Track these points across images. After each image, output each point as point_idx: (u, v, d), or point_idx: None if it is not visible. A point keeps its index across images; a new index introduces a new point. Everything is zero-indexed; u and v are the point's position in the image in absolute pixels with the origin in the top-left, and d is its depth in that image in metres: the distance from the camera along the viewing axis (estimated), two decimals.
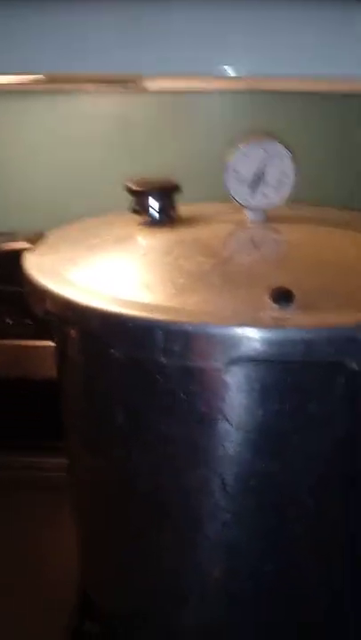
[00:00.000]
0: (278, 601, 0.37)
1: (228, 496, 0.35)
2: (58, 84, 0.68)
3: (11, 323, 0.64)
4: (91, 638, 0.46)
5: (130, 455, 0.37)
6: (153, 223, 0.45)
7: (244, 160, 0.42)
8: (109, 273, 0.38)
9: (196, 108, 0.70)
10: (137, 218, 0.46)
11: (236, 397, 0.33)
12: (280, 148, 0.42)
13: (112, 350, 0.35)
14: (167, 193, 0.44)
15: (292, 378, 0.32)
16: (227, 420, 0.33)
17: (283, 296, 0.32)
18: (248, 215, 0.44)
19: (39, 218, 0.64)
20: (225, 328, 0.31)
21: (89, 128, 0.70)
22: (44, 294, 0.37)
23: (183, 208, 0.48)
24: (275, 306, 0.32)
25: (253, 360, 0.32)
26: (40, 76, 0.62)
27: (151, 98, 0.69)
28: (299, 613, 0.38)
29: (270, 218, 0.44)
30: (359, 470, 0.34)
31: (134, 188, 0.44)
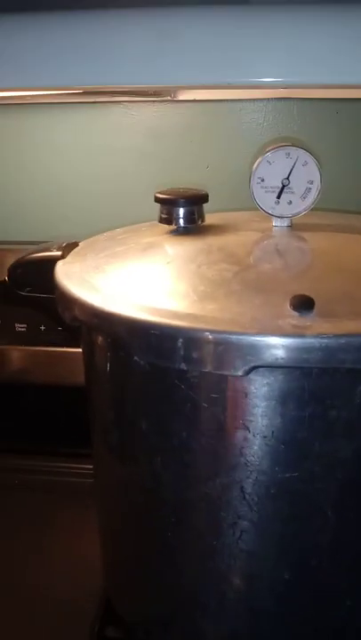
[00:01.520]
0: (299, 610, 0.37)
1: (247, 504, 0.35)
2: (92, 96, 0.70)
3: (43, 329, 0.65)
4: None
5: (153, 462, 0.38)
6: (180, 232, 0.45)
7: (270, 168, 0.42)
8: (134, 280, 0.38)
9: (226, 116, 0.70)
10: (165, 227, 0.46)
11: (255, 405, 0.33)
12: (305, 155, 0.42)
13: (135, 357, 0.36)
14: (195, 202, 0.45)
15: (312, 385, 0.32)
16: (246, 427, 0.33)
17: (303, 303, 0.32)
18: (274, 223, 0.44)
19: (74, 227, 0.66)
20: (244, 335, 0.31)
21: (122, 138, 0.72)
22: (70, 301, 0.38)
23: (211, 216, 0.48)
24: (295, 313, 0.32)
25: (273, 367, 0.32)
26: (75, 90, 0.64)
27: (182, 107, 0.70)
28: (319, 622, 0.37)
29: (296, 225, 0.44)
30: None
31: (162, 197, 0.45)
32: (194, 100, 0.70)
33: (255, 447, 0.34)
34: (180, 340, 0.32)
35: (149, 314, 0.33)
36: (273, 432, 0.33)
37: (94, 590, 0.49)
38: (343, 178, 0.68)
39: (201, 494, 0.36)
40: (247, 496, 0.35)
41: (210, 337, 0.31)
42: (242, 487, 0.35)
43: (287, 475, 0.34)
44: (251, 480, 0.34)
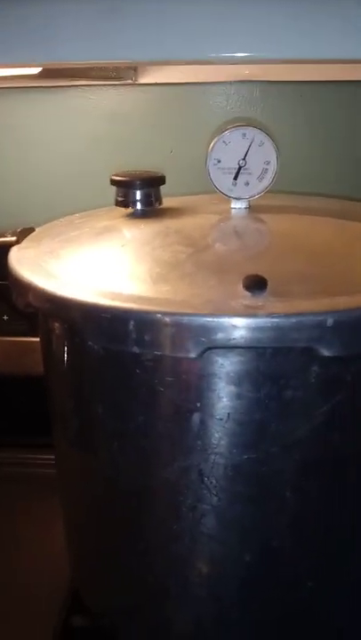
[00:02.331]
0: (261, 593, 0.37)
1: (206, 488, 0.34)
2: (50, 79, 0.69)
3: (6, 319, 0.64)
4: (79, 634, 0.46)
5: (111, 449, 0.37)
6: (137, 215, 0.44)
7: (226, 149, 0.42)
8: (88, 264, 0.38)
9: (189, 100, 0.69)
10: (122, 211, 0.46)
11: (210, 387, 0.32)
12: (261, 136, 0.41)
13: (89, 342, 0.35)
14: (151, 184, 0.44)
15: (266, 366, 0.32)
16: (202, 410, 0.33)
17: (256, 284, 0.31)
18: (231, 205, 0.43)
19: (31, 213, 0.65)
20: (196, 317, 0.30)
21: (82, 123, 0.70)
22: (23, 287, 0.37)
23: (169, 200, 0.47)
24: (247, 293, 0.31)
25: (226, 348, 0.31)
26: (32, 72, 0.63)
27: (144, 91, 0.69)
28: (282, 605, 0.37)
29: (254, 207, 0.43)
30: (337, 459, 0.33)
31: (118, 179, 0.44)
32: (155, 84, 0.69)
33: (212, 430, 0.33)
34: (132, 322, 0.31)
35: (101, 297, 0.32)
36: (229, 414, 0.33)
37: (62, 581, 0.49)
38: (306, 161, 0.68)
39: (160, 479, 0.36)
40: (206, 479, 0.34)
41: (162, 319, 0.30)
42: (200, 470, 0.34)
43: (245, 457, 0.33)
44: (209, 463, 0.34)
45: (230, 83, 0.69)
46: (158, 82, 0.69)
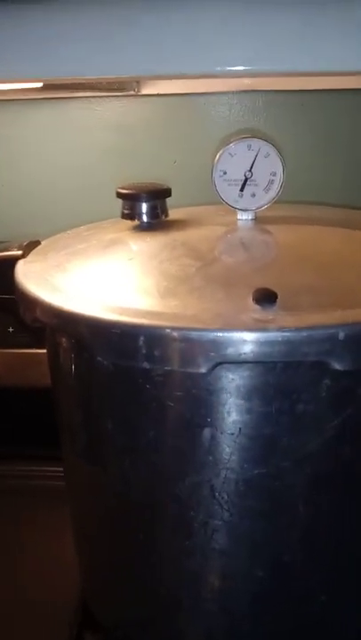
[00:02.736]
0: (273, 607, 0.37)
1: (217, 503, 0.34)
2: (52, 91, 0.69)
3: (11, 331, 0.64)
4: None
5: (121, 464, 0.37)
6: (143, 228, 0.44)
7: (232, 160, 0.42)
8: (95, 278, 0.38)
9: (192, 111, 0.69)
10: (128, 223, 0.45)
11: (221, 402, 0.32)
12: (267, 147, 0.41)
13: (98, 358, 0.35)
14: (157, 197, 0.44)
15: (277, 380, 0.31)
16: (213, 425, 0.33)
17: (265, 297, 0.31)
18: (238, 216, 0.43)
19: (36, 226, 0.65)
20: (206, 332, 0.30)
21: (85, 135, 0.70)
22: (30, 301, 0.37)
23: (175, 212, 0.47)
24: (257, 307, 0.31)
25: (237, 363, 0.31)
26: (36, 85, 0.63)
27: (147, 102, 0.69)
28: (295, 619, 0.37)
29: (260, 218, 0.43)
30: (349, 473, 0.33)
31: (124, 192, 0.44)
32: (158, 95, 0.69)
33: (223, 445, 0.33)
34: (142, 338, 0.31)
35: (110, 312, 0.32)
36: (240, 429, 0.33)
37: (72, 594, 0.48)
38: (310, 170, 0.68)
39: (171, 494, 0.35)
40: (217, 494, 0.34)
41: (171, 334, 0.30)
42: (211, 486, 0.34)
43: (256, 471, 0.33)
44: (220, 478, 0.34)
45: (233, 93, 0.69)
46: (161, 92, 0.69)
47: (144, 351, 0.31)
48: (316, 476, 0.33)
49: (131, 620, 0.43)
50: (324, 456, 0.33)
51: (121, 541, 0.40)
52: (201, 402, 0.33)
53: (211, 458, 0.33)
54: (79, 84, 0.66)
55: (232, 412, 0.32)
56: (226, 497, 0.34)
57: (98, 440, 0.38)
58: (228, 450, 0.33)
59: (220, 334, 0.30)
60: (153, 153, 0.70)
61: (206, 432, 0.33)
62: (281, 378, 0.31)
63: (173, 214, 0.46)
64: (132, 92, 0.69)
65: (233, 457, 0.33)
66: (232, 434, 0.33)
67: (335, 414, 0.32)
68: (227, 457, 0.33)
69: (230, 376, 0.32)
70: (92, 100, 0.70)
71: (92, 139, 0.70)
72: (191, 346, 0.30)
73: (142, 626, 0.42)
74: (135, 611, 0.42)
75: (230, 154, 0.42)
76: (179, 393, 0.33)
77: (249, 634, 0.38)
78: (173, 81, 0.68)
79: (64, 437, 0.43)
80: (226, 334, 0.30)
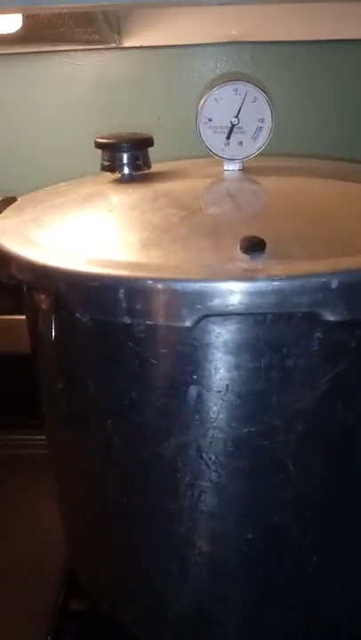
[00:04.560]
0: (264, 570, 0.35)
1: (205, 464, 0.33)
2: (32, 44, 0.65)
3: None
4: (78, 617, 0.45)
5: (104, 427, 0.35)
6: (124, 180, 0.42)
7: (217, 106, 0.39)
8: (73, 231, 0.35)
9: (176, 64, 0.66)
10: (109, 176, 0.43)
11: (207, 358, 0.30)
12: (255, 91, 0.39)
13: (77, 314, 0.33)
14: (138, 146, 0.41)
15: (267, 333, 0.30)
16: (199, 382, 0.31)
17: (254, 245, 0.29)
18: (225, 167, 0.41)
19: (14, 183, 0.62)
20: (190, 282, 0.28)
21: (66, 90, 0.67)
22: (5, 258, 0.35)
23: (159, 165, 0.45)
24: (245, 256, 0.29)
25: (224, 315, 0.29)
26: (10, 31, 0.59)
27: (129, 55, 0.66)
28: (286, 582, 0.36)
29: (248, 169, 0.41)
30: (342, 429, 0.32)
31: (103, 141, 0.41)
32: (140, 47, 0.66)
33: (210, 403, 0.31)
34: (122, 290, 0.29)
35: (88, 265, 0.30)
36: (228, 386, 0.31)
37: (59, 563, 0.47)
38: (300, 124, 0.66)
39: (156, 456, 0.34)
40: (204, 455, 0.33)
41: (153, 285, 0.28)
42: (198, 446, 0.32)
43: (245, 430, 0.32)
44: (207, 438, 0.32)
45: (219, 44, 0.66)
46: (143, 45, 0.65)
47: (124, 305, 0.29)
48: (308, 434, 0.32)
49: (117, 588, 0.41)
50: (317, 413, 0.31)
51: (105, 507, 0.38)
52: (186, 358, 0.31)
53: (197, 417, 0.32)
54: (59, 33, 0.62)
55: (219, 369, 0.31)
56: (213, 457, 0.32)
57: (79, 403, 0.36)
58: (215, 408, 0.31)
59: (205, 285, 0.28)
60: (136, 109, 0.67)
61: (192, 390, 0.31)
62: (271, 331, 0.30)
63: (157, 167, 0.44)
64: (113, 45, 0.66)
65: (220, 416, 0.32)
66: (219, 391, 0.31)
67: (327, 369, 0.30)
68: (214, 416, 0.32)
69: (217, 330, 0.30)
70: (71, 54, 0.67)
71: (73, 94, 0.67)
72: (174, 298, 0.28)
73: (129, 594, 0.41)
74: (121, 579, 0.41)
75: (215, 99, 0.39)
76: (163, 349, 0.31)
77: (239, 598, 0.37)
78: (156, 32, 0.65)
79: (45, 403, 0.41)
80: (211, 284, 0.28)
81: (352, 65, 0.65)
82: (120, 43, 0.66)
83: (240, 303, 0.28)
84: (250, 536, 0.34)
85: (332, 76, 0.65)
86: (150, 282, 0.28)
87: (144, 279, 0.29)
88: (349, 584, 0.37)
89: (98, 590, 0.44)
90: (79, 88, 0.68)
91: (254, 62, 0.66)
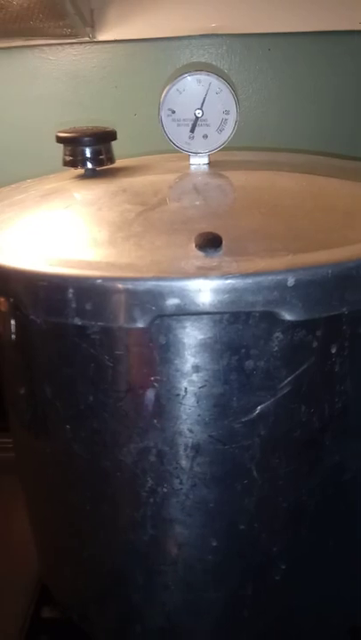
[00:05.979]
0: (230, 578, 0.34)
1: (165, 470, 0.31)
2: (4, 40, 0.64)
3: None
4: (49, 625, 0.44)
5: (62, 432, 0.34)
6: (87, 175, 0.41)
7: (180, 97, 0.38)
8: (27, 229, 0.34)
9: (151, 58, 0.65)
10: (73, 172, 0.42)
11: (164, 360, 0.29)
12: (219, 82, 0.37)
13: (31, 316, 0.31)
14: (100, 140, 0.40)
15: (224, 333, 0.28)
16: (157, 386, 0.30)
17: (209, 242, 0.28)
18: (190, 161, 0.40)
19: None
20: (141, 281, 0.27)
21: (40, 86, 0.66)
22: None
23: (124, 160, 0.44)
24: (200, 253, 0.28)
25: (178, 315, 0.28)
26: None
27: (104, 49, 0.65)
28: (256, 587, 0.35)
29: (214, 163, 0.40)
30: (306, 433, 0.30)
31: (64, 135, 0.40)
32: (115, 41, 0.64)
33: (168, 407, 0.30)
34: (71, 290, 0.27)
35: (38, 264, 0.29)
36: (186, 389, 0.30)
37: (31, 571, 0.46)
38: (277, 117, 0.64)
39: (116, 462, 0.32)
40: (165, 461, 0.31)
41: (103, 285, 0.27)
42: (158, 452, 0.31)
43: (206, 435, 0.30)
44: (167, 443, 0.31)
45: (196, 37, 0.64)
46: (118, 38, 0.64)
47: (74, 305, 0.28)
48: (271, 438, 0.30)
49: (85, 597, 0.40)
50: (279, 416, 0.30)
51: (69, 515, 0.37)
52: (143, 360, 0.30)
53: (156, 422, 0.31)
54: (31, 28, 0.61)
55: (177, 371, 0.29)
56: (174, 463, 0.31)
57: (38, 408, 0.35)
58: (174, 412, 0.30)
59: (156, 283, 0.27)
60: (112, 104, 0.66)
61: (150, 393, 0.30)
62: (228, 331, 0.28)
63: (124, 162, 0.43)
64: (86, 39, 0.64)
65: (180, 420, 0.30)
66: (178, 395, 0.30)
67: (289, 370, 0.29)
68: (173, 420, 0.30)
69: (173, 331, 0.28)
70: (45, 48, 0.66)
71: (47, 90, 0.66)
72: (125, 297, 0.27)
73: (97, 603, 0.39)
74: (89, 587, 0.39)
75: (178, 90, 0.38)
76: (118, 351, 0.30)
77: (208, 607, 0.36)
78: (131, 25, 0.63)
79: (9, 407, 0.40)
80: (163, 283, 0.26)
81: (333, 58, 0.63)
82: (94, 37, 0.64)
83: (193, 302, 0.27)
84: (215, 544, 0.33)
85: (310, 69, 0.64)
86: (99, 281, 0.27)
87: (93, 278, 0.27)
88: (319, 591, 0.36)
89: (67, 600, 0.42)
90: (53, 84, 0.66)
91: (231, 55, 0.65)
